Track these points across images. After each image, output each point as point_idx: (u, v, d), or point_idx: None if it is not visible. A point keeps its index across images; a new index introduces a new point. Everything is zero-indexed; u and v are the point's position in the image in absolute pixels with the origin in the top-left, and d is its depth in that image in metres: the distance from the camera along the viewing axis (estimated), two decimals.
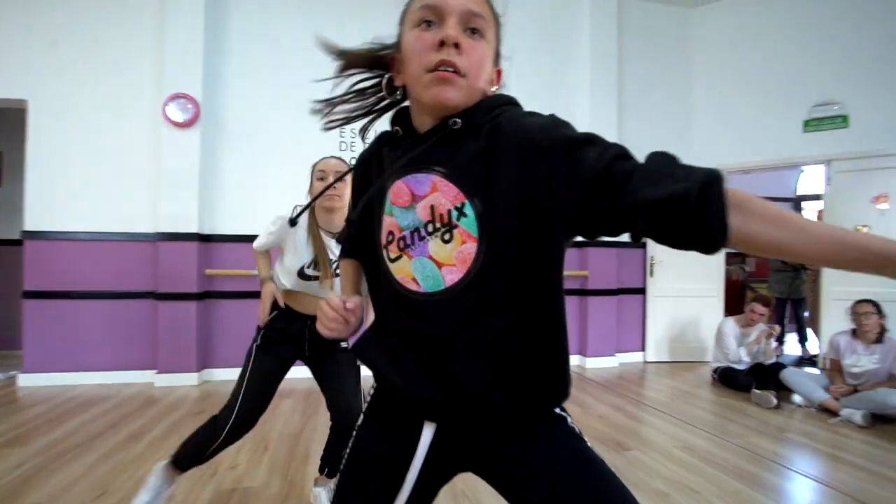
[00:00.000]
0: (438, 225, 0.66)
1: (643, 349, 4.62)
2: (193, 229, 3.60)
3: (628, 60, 4.54)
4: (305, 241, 1.60)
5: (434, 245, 0.66)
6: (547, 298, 0.68)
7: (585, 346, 4.36)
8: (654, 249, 4.56)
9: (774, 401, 3.13)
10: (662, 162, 0.56)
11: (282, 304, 1.65)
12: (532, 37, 4.32)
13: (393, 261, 0.70)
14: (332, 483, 1.76)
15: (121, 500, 1.83)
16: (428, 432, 0.70)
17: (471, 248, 0.64)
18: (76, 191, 3.60)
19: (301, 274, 1.60)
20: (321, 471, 1.73)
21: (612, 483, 0.67)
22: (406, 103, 0.75)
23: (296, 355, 1.68)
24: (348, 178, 1.45)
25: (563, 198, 0.59)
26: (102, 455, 2.27)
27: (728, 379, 3.59)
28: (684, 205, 0.51)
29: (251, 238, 1.86)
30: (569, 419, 0.74)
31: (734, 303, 5.39)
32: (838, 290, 3.95)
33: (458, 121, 0.65)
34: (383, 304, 0.75)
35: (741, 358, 3.63)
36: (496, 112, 0.67)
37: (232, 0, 3.84)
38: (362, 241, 0.79)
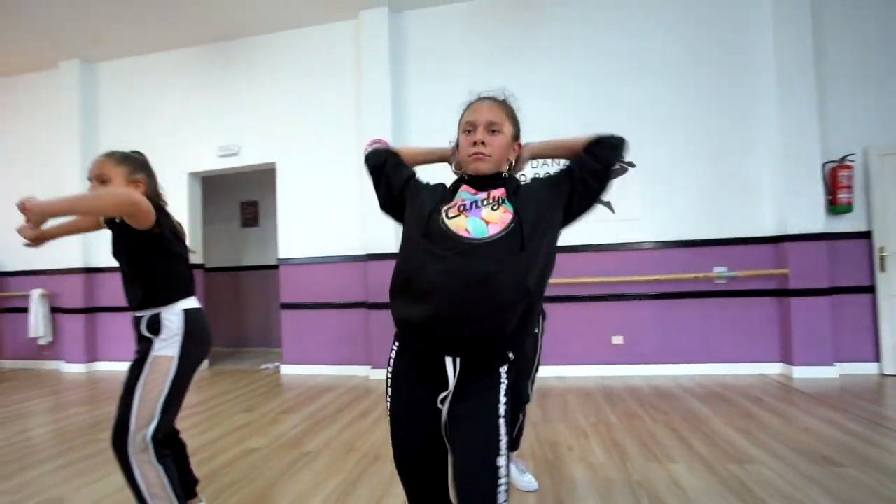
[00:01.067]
0: (491, 201, 1.08)
1: (878, 359, 3.84)
2: (392, 249, 4.37)
3: (828, 23, 3.92)
4: None
5: (486, 211, 1.06)
6: (545, 266, 1.06)
7: (790, 352, 3.83)
8: (885, 239, 3.79)
9: None
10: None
11: None
12: (693, 35, 4.08)
13: (451, 218, 1.06)
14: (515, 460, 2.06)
15: (364, 455, 2.45)
16: (451, 362, 1.01)
17: (508, 216, 1.04)
18: (310, 225, 4.72)
19: None
20: None
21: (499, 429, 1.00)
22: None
23: None
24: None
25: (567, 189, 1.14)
26: (346, 423, 3.00)
27: None
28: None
29: None
30: (504, 372, 1.05)
31: None
32: None
33: (506, 174, 1.17)
34: (420, 262, 1.05)
35: None
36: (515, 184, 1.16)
37: (410, 65, 4.57)
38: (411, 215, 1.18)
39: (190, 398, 3.60)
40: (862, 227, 3.89)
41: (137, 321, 1.55)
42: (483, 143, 1.12)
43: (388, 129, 4.43)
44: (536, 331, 1.98)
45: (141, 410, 1.47)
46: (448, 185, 1.22)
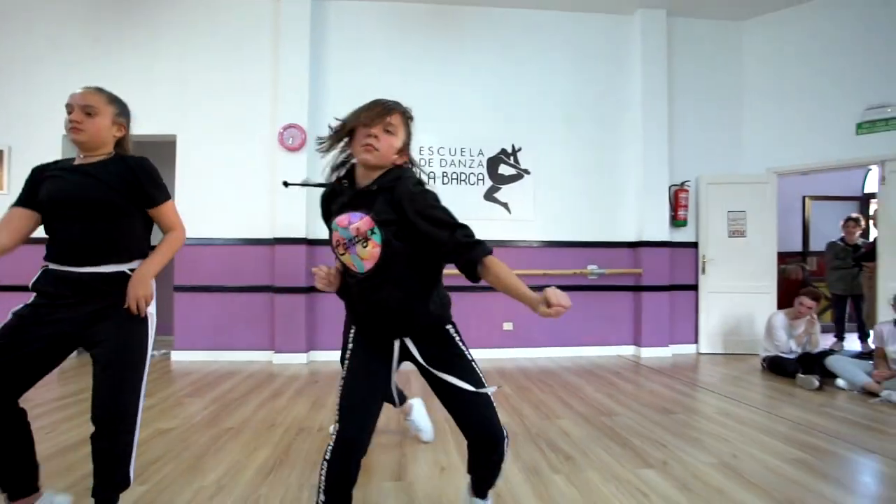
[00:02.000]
0: (360, 237, 1.23)
1: (696, 341, 4.93)
2: (302, 234, 4.39)
3: (678, 76, 4.92)
4: None
5: (359, 248, 1.24)
6: (425, 275, 1.30)
7: (640, 337, 4.75)
8: (706, 249, 4.88)
9: (817, 383, 3.42)
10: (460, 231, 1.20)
11: None
12: (584, 61, 4.83)
13: (342, 255, 1.28)
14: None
15: (287, 428, 2.55)
16: (396, 343, 1.33)
17: (377, 251, 1.22)
18: (213, 205, 4.50)
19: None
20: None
21: (472, 366, 1.36)
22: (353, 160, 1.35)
23: None
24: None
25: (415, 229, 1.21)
26: (260, 403, 3.03)
27: (776, 366, 3.88)
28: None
29: None
30: (450, 329, 1.38)
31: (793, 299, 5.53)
32: (894, 286, 4.12)
33: (376, 186, 1.25)
34: (346, 283, 1.36)
35: (791, 349, 3.90)
36: (396, 177, 1.26)
37: (330, 48, 4.63)
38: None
39: (61, 389, 3.30)
40: (692, 238, 4.97)
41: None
42: (377, 137, 1.23)
43: (305, 113, 4.44)
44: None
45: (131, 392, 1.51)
46: (329, 189, 1.39)
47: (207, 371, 4.01)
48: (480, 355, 4.55)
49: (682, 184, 4.87)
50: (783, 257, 6.12)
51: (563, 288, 4.26)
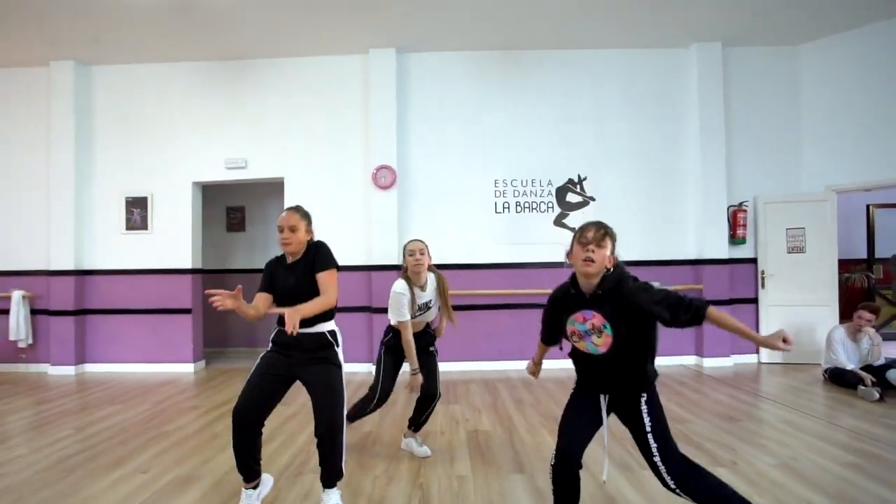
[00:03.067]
0: (595, 330, 1.66)
1: (757, 352, 5.23)
2: (395, 262, 5.06)
3: (734, 103, 5.25)
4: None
5: (594, 338, 1.67)
6: (642, 351, 1.69)
7: (702, 347, 5.12)
8: (766, 264, 5.17)
9: (877, 395, 3.71)
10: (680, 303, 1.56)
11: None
12: (642, 93, 5.26)
13: (576, 342, 1.73)
14: (415, 437, 2.87)
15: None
16: (604, 398, 1.76)
17: (609, 339, 1.64)
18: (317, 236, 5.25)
19: (412, 315, 2.71)
20: (409, 427, 2.83)
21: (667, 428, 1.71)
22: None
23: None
24: (426, 250, 2.71)
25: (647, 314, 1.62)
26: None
27: (837, 377, 4.16)
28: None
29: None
30: (644, 396, 1.70)
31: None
32: None
33: (601, 292, 1.65)
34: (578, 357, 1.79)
35: (850, 362, 4.17)
36: (616, 280, 1.65)
37: (413, 100, 5.30)
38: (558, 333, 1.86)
39: (207, 397, 4.08)
40: (751, 255, 5.27)
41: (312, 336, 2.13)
42: (593, 252, 1.61)
43: (394, 154, 5.13)
44: (433, 349, 2.87)
45: (343, 399, 2.14)
46: (561, 291, 1.81)
47: None
48: (548, 366, 5.09)
49: (741, 204, 5.19)
50: (847, 265, 6.27)
51: None
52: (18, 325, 5.36)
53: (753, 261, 5.27)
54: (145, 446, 3.00)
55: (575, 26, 4.86)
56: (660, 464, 1.63)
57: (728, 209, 5.19)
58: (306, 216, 2.26)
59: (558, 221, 5.23)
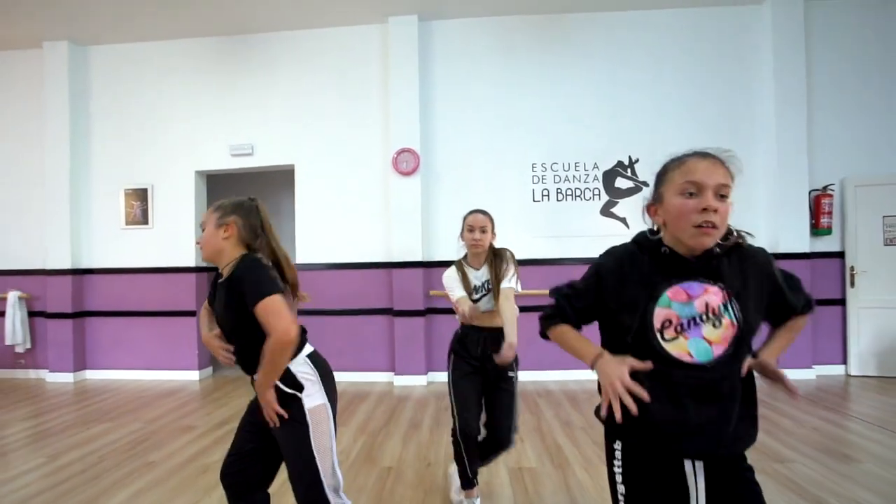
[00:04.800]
0: (710, 315, 0.96)
1: (845, 362, 4.44)
2: (419, 258, 4.45)
3: (816, 68, 4.43)
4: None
5: (707, 329, 0.96)
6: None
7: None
8: (855, 259, 4.37)
9: None
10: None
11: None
12: (705, 61, 4.48)
13: (668, 341, 0.97)
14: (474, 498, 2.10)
15: (433, 463, 2.58)
16: (700, 464, 0.98)
17: (731, 331, 0.96)
18: (330, 230, 4.70)
19: (471, 297, 2.06)
20: (466, 477, 2.06)
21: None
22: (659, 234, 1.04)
23: (476, 370, 2.06)
24: (488, 226, 2.06)
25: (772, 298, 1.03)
26: (404, 436, 3.11)
27: None
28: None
29: None
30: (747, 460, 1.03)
31: None
32: None
33: (718, 249, 0.98)
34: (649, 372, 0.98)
35: None
36: (734, 241, 1.01)
37: (437, 74, 4.64)
38: (627, 323, 1.02)
39: (213, 408, 3.57)
40: (836, 248, 4.47)
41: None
42: (715, 211, 0.93)
43: (417, 134, 4.50)
44: (511, 374, 2.09)
45: (323, 465, 1.43)
46: (628, 250, 1.09)
47: (341, 391, 4.18)
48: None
49: (825, 188, 4.39)
50: None
51: None
52: (15, 328, 4.96)
53: (840, 255, 4.45)
54: (121, 483, 2.48)
55: None
56: None
57: (810, 194, 4.39)
58: (217, 209, 1.52)
59: (606, 211, 4.52)
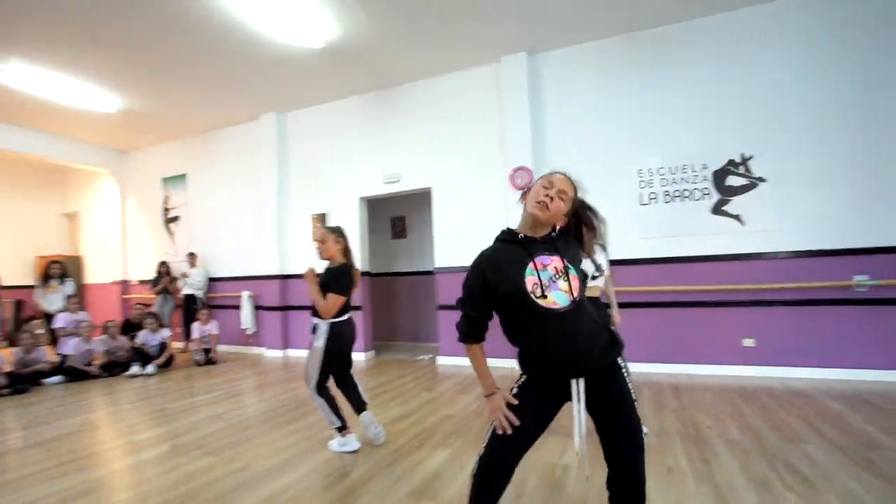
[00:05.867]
0: (559, 274, 1.41)
1: None
2: None
3: None
4: None
5: (561, 283, 1.40)
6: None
7: None
8: None
9: None
10: None
11: None
12: (831, 38, 4.27)
13: (538, 298, 1.37)
14: None
15: None
16: (580, 382, 1.41)
17: (576, 281, 1.42)
18: (461, 238, 5.62)
19: None
20: None
21: (633, 408, 1.40)
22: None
23: None
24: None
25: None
26: None
27: None
28: None
29: None
30: (621, 361, 1.46)
31: None
32: None
33: (554, 233, 1.51)
34: (528, 333, 1.42)
35: None
36: (564, 231, 1.55)
37: (545, 99, 5.28)
38: (497, 301, 1.46)
39: (374, 380, 4.66)
40: None
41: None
42: (551, 199, 1.44)
43: (529, 155, 5.18)
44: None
45: (309, 371, 2.82)
46: (492, 248, 1.54)
47: (468, 374, 5.02)
48: (713, 372, 4.45)
49: None
50: None
51: (820, 302, 4.16)
52: (246, 317, 6.96)
53: None
54: (304, 415, 3.65)
55: None
56: (642, 445, 1.38)
57: None
58: (332, 231, 2.94)
59: (717, 209, 4.57)
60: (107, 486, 2.51)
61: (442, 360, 5.66)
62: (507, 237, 1.53)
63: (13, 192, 9.16)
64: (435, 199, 5.84)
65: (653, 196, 4.81)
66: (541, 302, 1.37)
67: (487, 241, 1.53)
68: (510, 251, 1.48)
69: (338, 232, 2.92)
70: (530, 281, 1.39)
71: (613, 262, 4.72)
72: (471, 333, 1.53)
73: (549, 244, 1.47)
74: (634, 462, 1.36)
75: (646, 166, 4.85)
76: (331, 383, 2.93)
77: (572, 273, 1.42)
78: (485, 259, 1.51)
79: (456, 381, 4.68)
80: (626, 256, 4.84)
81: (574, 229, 1.60)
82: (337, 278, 2.78)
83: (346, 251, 2.93)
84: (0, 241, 8.78)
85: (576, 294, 1.39)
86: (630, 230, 4.86)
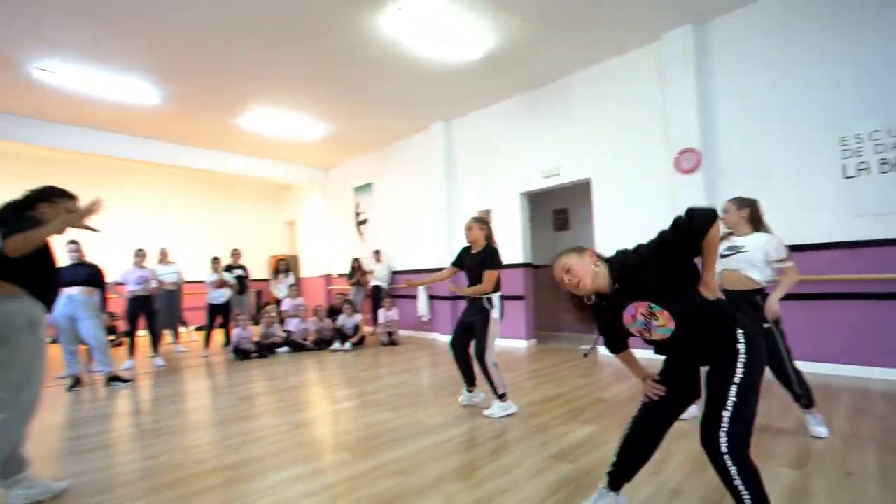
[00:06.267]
0: (648, 316, 1.54)
1: None
2: None
3: None
4: None
5: (655, 322, 1.53)
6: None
7: None
8: None
9: None
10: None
11: None
12: None
13: (649, 339, 1.59)
14: None
15: None
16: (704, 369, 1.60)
17: (665, 312, 1.51)
18: (620, 228, 5.47)
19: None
20: None
21: (729, 385, 1.47)
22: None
23: None
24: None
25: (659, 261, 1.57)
26: None
27: None
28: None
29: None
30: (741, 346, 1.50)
31: None
32: None
33: (617, 284, 1.61)
34: (655, 349, 1.67)
35: None
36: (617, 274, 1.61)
37: (713, 73, 4.81)
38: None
39: (533, 365, 4.87)
40: None
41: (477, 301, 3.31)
42: (569, 271, 1.67)
43: (696, 136, 4.79)
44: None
45: (489, 342, 3.27)
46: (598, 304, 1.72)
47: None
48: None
49: None
50: None
51: None
52: (423, 305, 7.85)
53: None
54: (450, 393, 4.05)
55: None
56: (726, 419, 1.43)
57: None
58: (478, 220, 3.41)
59: None
60: (317, 422, 3.32)
61: (604, 350, 5.56)
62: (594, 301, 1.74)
63: (254, 207, 12.15)
64: (595, 190, 5.79)
65: (863, 166, 4.01)
66: (652, 338, 1.60)
67: (650, 231, 1.62)
68: (606, 310, 1.68)
69: (482, 221, 3.40)
70: (635, 329, 1.61)
71: (804, 248, 4.11)
72: (614, 349, 1.84)
73: (619, 295, 1.60)
74: (706, 431, 1.47)
75: (851, 132, 4.06)
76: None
77: (657, 309, 1.52)
78: (598, 310, 1.73)
79: (613, 370, 4.61)
80: (825, 240, 4.13)
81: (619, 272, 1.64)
82: (493, 257, 3.27)
83: (489, 236, 3.39)
84: (246, 245, 11.49)
85: (675, 322, 1.51)
86: (828, 208, 4.13)
